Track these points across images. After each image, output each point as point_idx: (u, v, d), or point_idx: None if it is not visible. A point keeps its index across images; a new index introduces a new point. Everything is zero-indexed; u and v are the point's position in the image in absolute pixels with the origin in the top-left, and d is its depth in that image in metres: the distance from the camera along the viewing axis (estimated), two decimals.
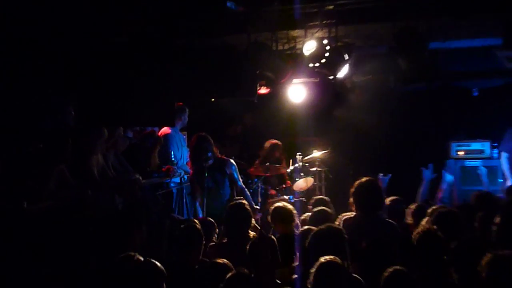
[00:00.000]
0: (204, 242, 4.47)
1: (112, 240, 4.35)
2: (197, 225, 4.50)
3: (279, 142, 8.47)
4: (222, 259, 3.98)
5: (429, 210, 4.81)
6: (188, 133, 7.76)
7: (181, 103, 7.14)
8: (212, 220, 5.27)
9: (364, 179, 4.74)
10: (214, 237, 5.04)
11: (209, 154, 6.15)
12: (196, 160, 6.21)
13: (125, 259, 3.79)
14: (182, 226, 4.51)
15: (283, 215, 4.95)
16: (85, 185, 5.32)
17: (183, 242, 4.40)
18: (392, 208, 5.11)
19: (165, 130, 7.20)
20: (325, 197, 5.72)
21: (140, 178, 6.02)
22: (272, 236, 4.18)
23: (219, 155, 6.35)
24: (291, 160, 8.14)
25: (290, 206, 5.04)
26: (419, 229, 3.87)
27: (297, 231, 4.69)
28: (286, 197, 7.95)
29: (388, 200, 5.32)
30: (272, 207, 5.10)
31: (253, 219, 4.91)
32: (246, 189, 6.40)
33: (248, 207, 4.78)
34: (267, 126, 9.25)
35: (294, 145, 8.50)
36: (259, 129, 9.38)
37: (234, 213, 4.73)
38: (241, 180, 6.41)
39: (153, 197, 6.61)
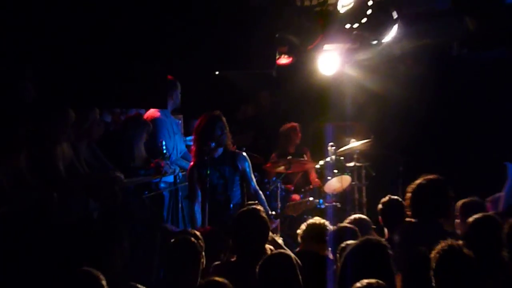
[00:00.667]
0: (204, 260, 4.52)
1: (84, 260, 4.31)
2: (193, 239, 4.53)
3: (295, 124, 8.50)
4: (222, 278, 3.99)
5: None
6: (185, 117, 7.78)
7: (170, 77, 7.13)
8: (217, 230, 5.34)
9: (427, 177, 4.87)
10: (220, 254, 5.11)
11: (212, 144, 6.14)
12: (198, 153, 6.26)
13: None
14: (174, 240, 4.54)
15: (319, 234, 5.09)
16: (48, 185, 5.33)
17: (176, 262, 4.43)
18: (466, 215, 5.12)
19: (152, 113, 7.26)
20: (364, 218, 5.68)
21: (122, 176, 6.02)
22: (289, 253, 4.27)
23: (230, 146, 6.40)
24: (321, 153, 8.20)
25: (323, 222, 5.19)
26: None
27: (329, 252, 4.84)
28: (312, 199, 7.96)
29: (461, 204, 5.48)
30: (306, 224, 5.24)
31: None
32: (261, 192, 6.44)
33: (264, 214, 4.81)
34: (289, 108, 9.29)
35: (324, 132, 8.47)
36: (278, 111, 9.41)
37: (245, 222, 4.75)
38: (254, 179, 6.44)
39: (139, 202, 6.61)
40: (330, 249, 4.93)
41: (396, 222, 5.36)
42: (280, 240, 5.33)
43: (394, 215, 5.48)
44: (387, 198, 5.66)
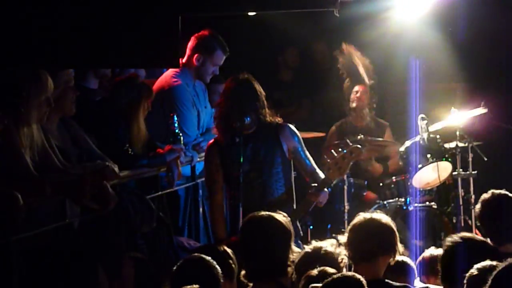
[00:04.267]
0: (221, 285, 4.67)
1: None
2: (210, 261, 4.68)
3: (364, 85, 8.72)
4: None
5: None
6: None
7: (206, 31, 7.37)
8: None
9: None
10: None
11: (247, 119, 6.33)
12: (224, 128, 6.42)
13: None
14: (184, 260, 4.72)
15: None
16: (11, 183, 5.35)
17: None
18: None
19: (168, 79, 7.50)
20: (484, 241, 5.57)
21: (116, 168, 6.07)
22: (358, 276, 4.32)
23: (270, 118, 6.53)
24: (405, 130, 8.47)
25: (387, 220, 5.17)
26: None
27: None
28: (396, 200, 7.84)
29: None
30: (356, 219, 5.26)
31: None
32: (320, 172, 6.48)
33: (284, 221, 4.97)
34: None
35: (410, 100, 8.53)
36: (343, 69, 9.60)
37: (254, 238, 4.94)
38: (311, 158, 6.56)
39: (141, 205, 6.58)
40: None
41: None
42: (329, 247, 5.28)
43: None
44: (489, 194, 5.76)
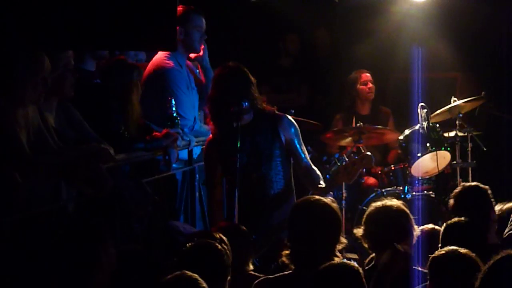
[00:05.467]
0: (230, 271, 4.71)
1: (52, 273, 4.44)
2: (216, 243, 4.72)
3: (366, 73, 8.77)
4: None
5: None
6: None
7: (181, 6, 7.33)
8: (236, 225, 5.70)
9: None
10: (245, 260, 5.37)
11: (245, 103, 6.26)
12: (220, 115, 6.39)
13: None
14: (190, 245, 4.73)
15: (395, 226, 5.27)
16: (5, 163, 5.37)
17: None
18: None
19: (160, 61, 7.48)
20: None
21: (112, 151, 6.06)
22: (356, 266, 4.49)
23: (267, 107, 6.54)
24: (406, 118, 8.48)
25: (400, 205, 5.38)
26: None
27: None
28: (394, 188, 7.98)
29: None
30: (369, 210, 5.45)
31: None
32: (316, 170, 6.46)
33: (335, 207, 5.02)
34: (360, 50, 9.38)
35: (411, 88, 8.52)
36: (342, 55, 9.70)
37: (307, 219, 4.96)
38: (306, 153, 6.52)
39: (136, 189, 6.59)
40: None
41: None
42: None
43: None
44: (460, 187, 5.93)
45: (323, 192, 6.20)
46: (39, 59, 5.70)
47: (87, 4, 5.80)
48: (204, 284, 4.37)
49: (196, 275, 4.40)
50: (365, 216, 5.40)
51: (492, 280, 3.80)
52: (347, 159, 6.31)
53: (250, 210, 6.17)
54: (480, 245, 4.93)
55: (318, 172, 6.41)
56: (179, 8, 7.31)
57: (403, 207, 5.34)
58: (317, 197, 5.10)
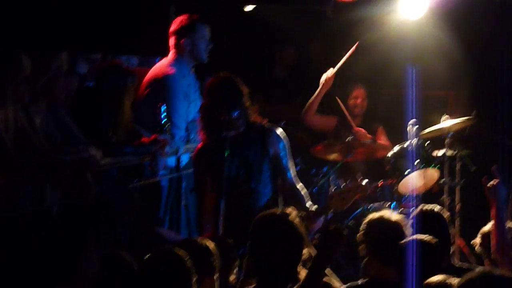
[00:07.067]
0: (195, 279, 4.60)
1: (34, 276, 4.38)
2: (183, 255, 4.60)
3: (359, 88, 8.88)
4: None
5: None
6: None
7: (186, 16, 7.36)
8: (220, 237, 5.64)
9: None
10: (232, 274, 5.34)
11: (235, 113, 6.28)
12: (210, 124, 6.41)
13: None
14: (154, 254, 4.63)
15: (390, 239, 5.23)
16: None
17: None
18: None
19: (163, 68, 7.50)
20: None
21: (99, 155, 6.14)
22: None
23: (257, 119, 6.53)
24: (396, 135, 8.51)
25: (397, 218, 5.40)
26: None
27: None
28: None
29: None
30: (366, 221, 5.44)
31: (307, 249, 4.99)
32: (300, 187, 6.47)
33: (299, 221, 4.90)
34: (352, 66, 9.31)
35: (402, 105, 8.41)
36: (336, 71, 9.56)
37: (268, 233, 4.86)
38: (293, 168, 6.52)
39: (123, 194, 6.70)
40: None
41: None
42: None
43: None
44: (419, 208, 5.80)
45: (316, 216, 6.24)
46: (16, 60, 5.72)
47: (81, 8, 5.86)
48: (189, 264, 4.46)
49: (182, 251, 4.50)
50: (361, 229, 5.43)
51: None
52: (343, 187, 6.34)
53: (237, 222, 6.06)
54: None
55: (303, 192, 6.43)
56: (184, 17, 7.38)
57: (398, 219, 5.38)
58: (280, 211, 5.03)
